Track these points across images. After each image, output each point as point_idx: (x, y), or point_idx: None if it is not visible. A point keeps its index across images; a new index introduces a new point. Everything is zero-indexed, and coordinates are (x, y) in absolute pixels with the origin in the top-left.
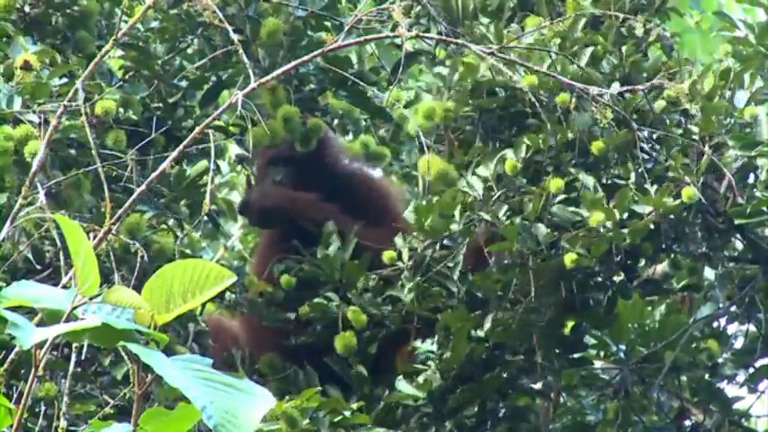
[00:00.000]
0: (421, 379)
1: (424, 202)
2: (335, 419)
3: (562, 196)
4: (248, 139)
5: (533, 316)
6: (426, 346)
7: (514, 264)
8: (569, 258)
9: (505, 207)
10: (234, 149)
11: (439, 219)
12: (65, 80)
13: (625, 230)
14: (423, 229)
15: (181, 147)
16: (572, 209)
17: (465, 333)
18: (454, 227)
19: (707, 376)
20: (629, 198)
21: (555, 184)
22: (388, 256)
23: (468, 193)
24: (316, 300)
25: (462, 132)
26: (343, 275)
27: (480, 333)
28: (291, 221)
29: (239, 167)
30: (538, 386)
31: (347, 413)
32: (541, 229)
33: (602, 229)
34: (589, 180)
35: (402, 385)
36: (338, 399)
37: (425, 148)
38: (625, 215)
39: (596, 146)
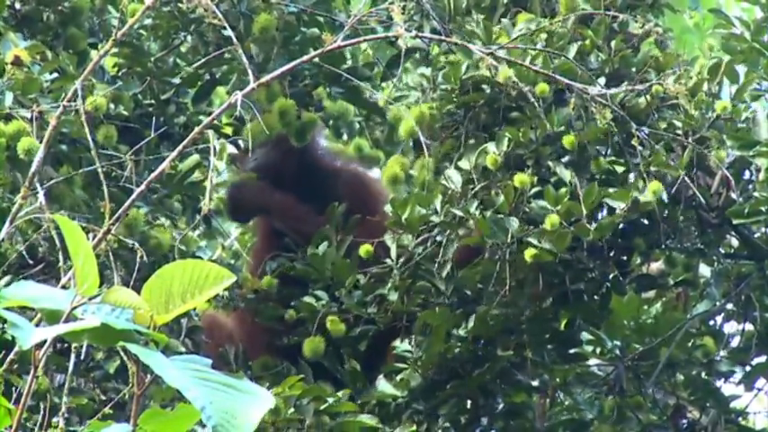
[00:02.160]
0: (399, 378)
1: (401, 197)
2: (321, 407)
3: (537, 189)
4: (245, 138)
5: (513, 310)
6: (404, 345)
7: (493, 258)
8: (528, 253)
9: (476, 202)
10: (230, 149)
11: (416, 212)
12: (55, 75)
13: (592, 226)
14: (399, 223)
15: (180, 147)
16: (541, 203)
17: (442, 333)
18: (435, 219)
19: (703, 374)
20: (596, 193)
21: (521, 179)
22: (364, 250)
23: (448, 186)
24: (305, 299)
25: (451, 132)
26: (334, 274)
27: (462, 332)
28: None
29: (233, 167)
30: (535, 383)
31: (331, 400)
32: (513, 223)
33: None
34: (566, 174)
35: (382, 384)
36: (322, 387)
37: (425, 148)
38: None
39: (568, 140)
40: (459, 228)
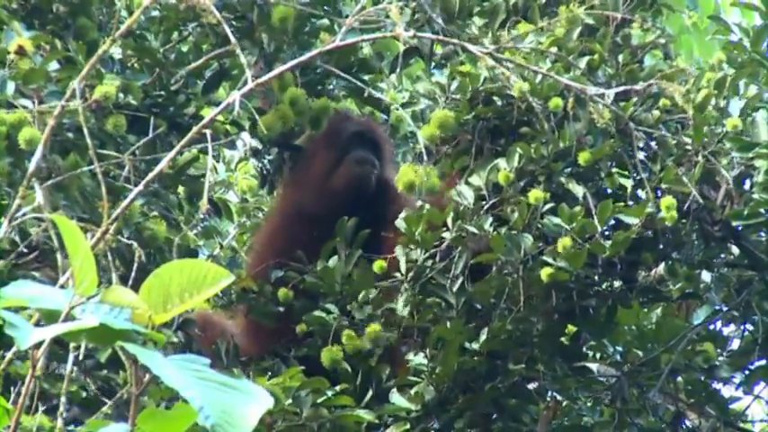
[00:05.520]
0: (413, 391)
1: (413, 213)
2: (318, 400)
3: (550, 205)
4: (258, 129)
5: (525, 325)
6: (418, 359)
7: (506, 273)
8: (545, 273)
9: (491, 218)
10: (228, 151)
11: (429, 229)
12: (59, 66)
13: (607, 242)
14: (412, 240)
15: (178, 147)
16: (556, 220)
17: (456, 346)
18: (447, 235)
19: (703, 378)
20: (610, 210)
21: (535, 195)
22: (378, 266)
23: (459, 202)
24: (315, 313)
25: (458, 143)
26: (344, 288)
27: (475, 345)
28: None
29: (252, 160)
30: (532, 386)
31: (330, 393)
32: (527, 240)
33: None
34: (578, 190)
35: (395, 398)
36: (321, 379)
37: (425, 157)
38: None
39: (583, 156)
40: (470, 241)
